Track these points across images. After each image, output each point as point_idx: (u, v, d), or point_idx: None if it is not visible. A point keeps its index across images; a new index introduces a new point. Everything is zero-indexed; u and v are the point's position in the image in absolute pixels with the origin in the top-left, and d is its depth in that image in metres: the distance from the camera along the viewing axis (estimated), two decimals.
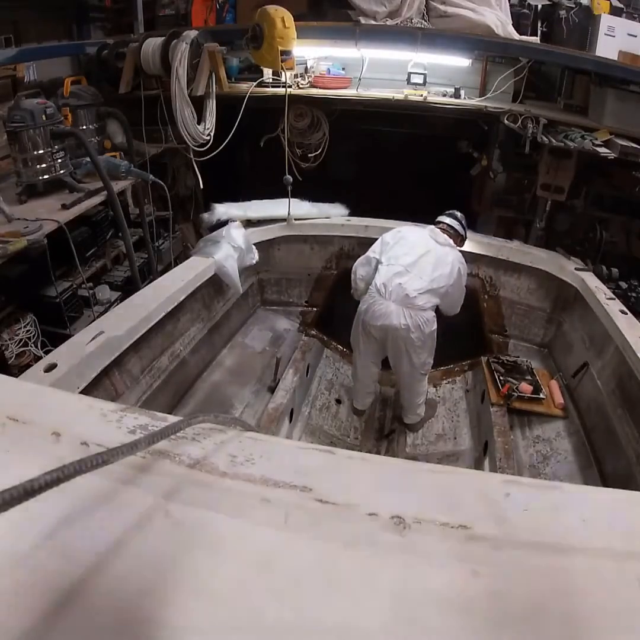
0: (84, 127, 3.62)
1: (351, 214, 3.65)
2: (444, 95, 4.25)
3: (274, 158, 3.80)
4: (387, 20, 3.99)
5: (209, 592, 0.56)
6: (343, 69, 4.45)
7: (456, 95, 4.21)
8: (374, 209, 3.63)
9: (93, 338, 1.96)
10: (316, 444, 1.19)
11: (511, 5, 4.07)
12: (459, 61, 4.27)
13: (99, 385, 1.97)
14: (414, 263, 2.71)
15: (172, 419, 0.78)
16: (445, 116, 4.26)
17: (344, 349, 3.64)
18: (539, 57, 3.93)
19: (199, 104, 3.70)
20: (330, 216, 3.60)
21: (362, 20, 3.93)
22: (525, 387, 2.90)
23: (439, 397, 3.34)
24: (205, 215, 3.32)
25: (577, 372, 2.90)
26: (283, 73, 3.45)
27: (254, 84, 3.83)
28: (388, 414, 3.26)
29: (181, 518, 0.63)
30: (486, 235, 3.74)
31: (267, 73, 4.13)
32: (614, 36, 3.83)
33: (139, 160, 3.84)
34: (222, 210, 3.27)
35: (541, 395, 2.88)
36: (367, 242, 3.57)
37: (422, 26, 3.97)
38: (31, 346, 2.78)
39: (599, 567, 0.61)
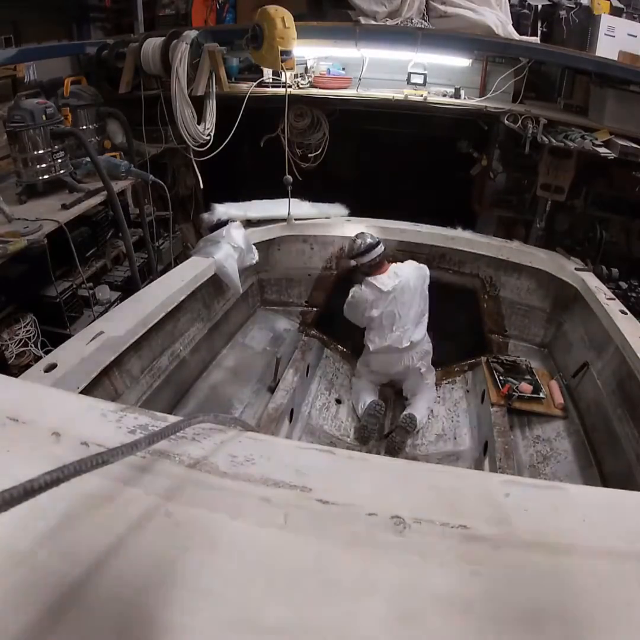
0: (84, 127, 3.62)
1: (351, 214, 3.65)
2: (444, 95, 4.25)
3: (274, 158, 3.80)
4: (387, 20, 3.99)
5: (209, 592, 0.56)
6: (343, 69, 4.45)
7: (456, 95, 4.20)
8: (374, 209, 3.63)
9: (93, 338, 1.96)
10: (316, 444, 1.19)
11: (511, 5, 4.07)
12: (459, 61, 4.27)
13: (99, 385, 1.97)
14: (399, 320, 2.95)
15: (172, 419, 0.79)
16: (445, 116, 4.26)
17: (344, 349, 3.64)
18: (539, 57, 3.93)
19: (199, 104, 3.70)
20: (330, 216, 3.60)
21: (362, 20, 3.93)
22: (525, 387, 2.90)
23: (439, 397, 3.34)
24: (205, 215, 3.32)
25: (577, 372, 2.90)
26: (283, 73, 3.45)
27: (254, 84, 3.83)
28: (388, 414, 3.25)
29: (181, 518, 0.63)
30: (486, 235, 3.74)
31: (267, 73, 4.13)
32: (614, 36, 3.83)
33: (139, 160, 3.84)
34: (222, 210, 3.27)
35: (541, 395, 2.88)
36: None
37: (422, 26, 3.97)
38: (31, 346, 2.78)
39: (599, 567, 0.61)
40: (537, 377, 3.03)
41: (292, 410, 2.87)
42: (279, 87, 4.03)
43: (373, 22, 3.95)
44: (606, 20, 3.85)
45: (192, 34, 3.55)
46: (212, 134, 3.75)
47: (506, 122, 3.80)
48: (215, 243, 2.92)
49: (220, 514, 0.64)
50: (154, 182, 3.72)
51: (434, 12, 4.06)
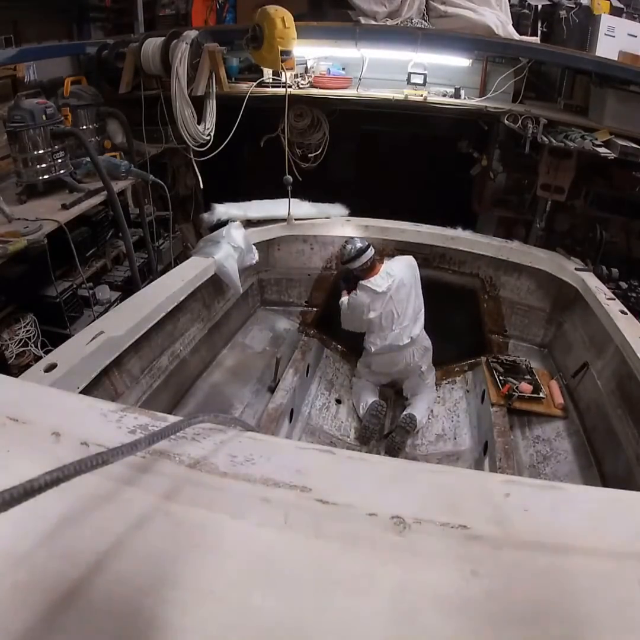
0: (84, 127, 3.62)
1: (351, 214, 3.65)
2: (444, 96, 4.25)
3: (274, 158, 3.80)
4: (387, 20, 3.99)
5: (209, 592, 0.56)
6: (343, 69, 4.45)
7: (456, 95, 4.21)
8: (374, 209, 3.63)
9: (93, 338, 1.96)
10: (316, 444, 1.19)
11: (511, 5, 4.07)
12: (459, 61, 4.27)
13: (99, 385, 1.97)
14: (398, 319, 2.97)
15: (172, 419, 0.78)
16: (445, 116, 4.26)
17: (344, 349, 3.64)
18: (539, 57, 3.93)
19: (199, 104, 3.70)
20: (330, 216, 3.60)
21: (362, 20, 3.93)
22: (525, 387, 2.90)
23: (439, 397, 3.34)
24: (205, 215, 3.32)
25: (577, 372, 2.90)
26: (283, 73, 3.45)
27: (254, 84, 3.84)
28: (389, 414, 3.25)
29: (181, 518, 0.63)
30: (486, 235, 3.74)
31: (267, 73, 4.13)
32: (614, 36, 3.83)
33: (139, 160, 3.84)
34: (222, 210, 3.27)
35: (541, 395, 2.88)
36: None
37: (422, 26, 3.97)
38: (31, 346, 2.78)
39: (599, 567, 0.61)
40: (537, 377, 3.03)
41: (292, 410, 2.87)
42: (279, 87, 4.03)
43: (373, 22, 3.95)
44: (606, 20, 3.85)
45: (192, 34, 3.55)
46: (212, 134, 3.76)
47: (506, 122, 3.80)
48: (215, 243, 2.93)
49: (220, 514, 0.64)
50: (154, 182, 3.72)
51: (434, 12, 4.06)
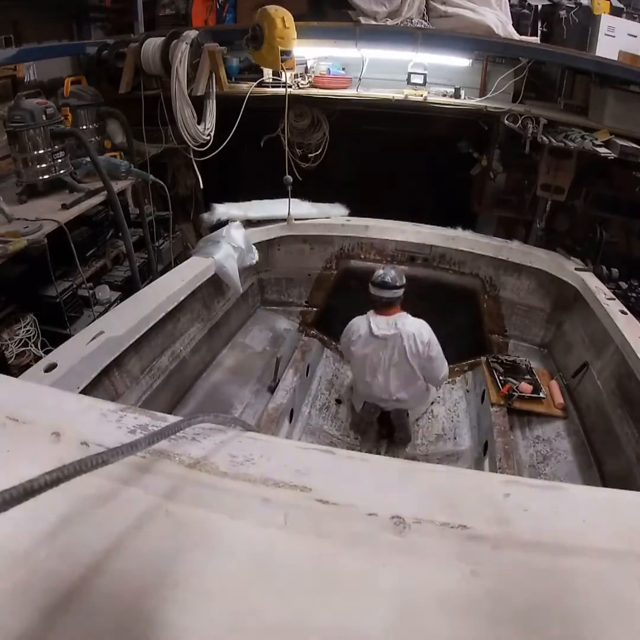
0: (84, 127, 3.62)
1: (351, 214, 3.65)
2: (444, 96, 4.25)
3: (274, 158, 3.80)
4: (387, 20, 3.98)
5: (209, 592, 0.56)
6: (343, 69, 4.45)
7: (456, 95, 4.21)
8: (374, 209, 3.63)
9: (93, 338, 1.96)
10: (316, 444, 1.19)
11: (511, 5, 4.06)
12: (459, 61, 4.27)
13: (99, 385, 1.97)
14: (383, 369, 2.73)
15: (172, 419, 0.79)
16: (445, 116, 4.26)
17: None
18: (539, 57, 3.93)
19: (199, 104, 3.70)
20: (330, 216, 3.60)
21: (362, 20, 3.93)
22: (525, 387, 2.90)
23: (439, 397, 3.34)
24: (205, 215, 3.32)
25: (577, 372, 2.90)
26: (283, 73, 3.45)
27: (254, 84, 3.83)
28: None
29: (181, 518, 0.63)
30: (486, 235, 3.74)
31: (267, 73, 4.13)
32: (614, 36, 3.82)
33: (139, 160, 3.84)
34: (222, 210, 3.27)
35: (541, 395, 2.88)
36: (367, 242, 3.58)
37: (422, 26, 3.96)
38: (31, 346, 2.78)
39: (599, 567, 0.61)
40: (537, 377, 3.03)
41: (292, 410, 2.87)
42: (279, 87, 4.03)
43: (373, 22, 3.95)
44: (606, 20, 3.84)
45: (192, 34, 3.55)
46: (212, 134, 3.75)
47: (506, 122, 3.80)
48: (215, 243, 2.92)
49: (220, 514, 0.64)
50: (154, 182, 3.72)
51: (434, 12, 4.05)
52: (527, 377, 3.03)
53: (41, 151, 2.96)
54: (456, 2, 3.95)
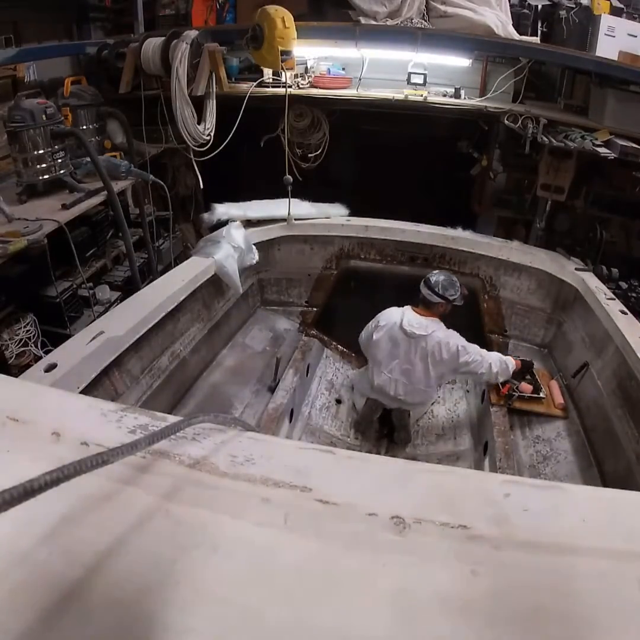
0: (84, 127, 3.63)
1: (351, 214, 3.65)
2: (444, 96, 4.25)
3: (274, 158, 3.80)
4: (387, 20, 3.98)
5: (209, 592, 0.56)
6: (343, 69, 4.45)
7: (456, 95, 4.21)
8: (374, 209, 3.63)
9: (93, 338, 1.96)
10: (316, 444, 1.19)
11: (511, 5, 4.07)
12: (459, 61, 4.27)
13: (99, 385, 1.97)
14: (395, 364, 2.71)
15: (172, 419, 0.79)
16: (445, 116, 4.26)
17: (344, 349, 3.64)
18: (539, 57, 3.93)
19: (199, 104, 3.70)
20: (330, 216, 3.60)
21: (362, 20, 3.93)
22: (526, 387, 2.90)
23: (439, 397, 3.34)
24: (205, 215, 3.32)
25: (577, 372, 2.90)
26: (283, 73, 3.45)
27: (254, 84, 3.83)
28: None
29: (181, 518, 0.63)
30: (486, 235, 3.74)
31: (267, 73, 4.14)
32: (614, 36, 3.82)
33: (139, 160, 3.84)
34: (222, 210, 3.27)
35: (541, 395, 2.88)
36: (367, 242, 3.58)
37: (422, 26, 3.97)
38: (31, 346, 2.78)
39: (599, 567, 0.61)
40: (537, 377, 3.03)
41: (292, 410, 2.87)
42: (279, 87, 4.03)
43: (373, 22, 3.95)
44: (606, 20, 3.84)
45: (192, 34, 3.55)
46: (212, 134, 3.76)
47: (506, 122, 3.80)
48: (215, 243, 2.92)
49: (220, 514, 0.64)
50: (154, 182, 3.73)
51: (434, 12, 4.05)
52: (527, 377, 3.02)
53: (41, 151, 2.97)
54: (456, 2, 3.95)
